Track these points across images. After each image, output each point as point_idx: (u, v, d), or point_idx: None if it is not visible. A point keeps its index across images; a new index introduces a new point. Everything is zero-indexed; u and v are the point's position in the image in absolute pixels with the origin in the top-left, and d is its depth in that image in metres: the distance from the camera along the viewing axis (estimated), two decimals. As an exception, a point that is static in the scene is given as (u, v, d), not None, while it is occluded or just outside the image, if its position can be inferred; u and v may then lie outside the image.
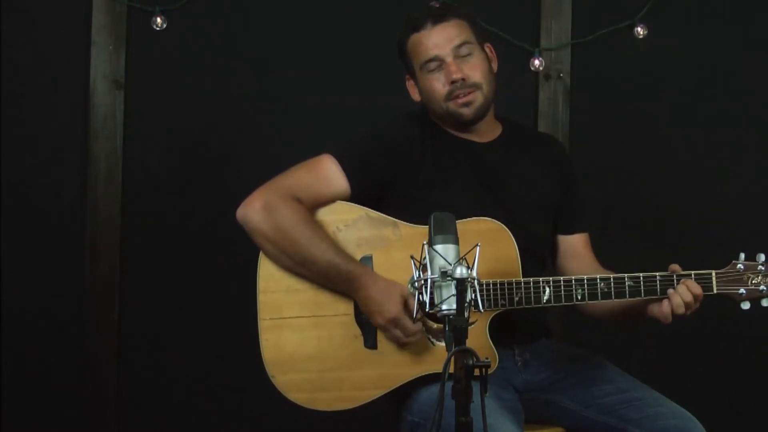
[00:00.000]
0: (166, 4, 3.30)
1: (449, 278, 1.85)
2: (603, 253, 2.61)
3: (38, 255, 3.29)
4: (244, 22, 3.37)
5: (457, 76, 2.43)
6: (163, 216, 3.35)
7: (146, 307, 3.34)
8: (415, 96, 2.55)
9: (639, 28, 3.44)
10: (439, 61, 2.45)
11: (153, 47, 3.32)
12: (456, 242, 1.91)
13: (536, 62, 3.42)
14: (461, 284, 1.83)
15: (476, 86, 2.46)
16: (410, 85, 2.56)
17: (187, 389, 3.35)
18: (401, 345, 2.33)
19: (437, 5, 2.50)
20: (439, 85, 2.46)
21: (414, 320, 2.27)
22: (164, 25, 3.30)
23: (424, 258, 1.93)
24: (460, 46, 2.45)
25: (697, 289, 2.30)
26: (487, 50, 2.54)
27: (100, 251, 3.29)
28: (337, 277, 2.34)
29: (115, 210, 3.30)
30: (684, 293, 2.29)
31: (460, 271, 1.83)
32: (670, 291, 2.31)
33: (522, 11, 3.44)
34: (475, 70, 2.46)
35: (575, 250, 2.59)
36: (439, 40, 2.45)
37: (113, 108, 3.29)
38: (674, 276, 2.33)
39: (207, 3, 3.34)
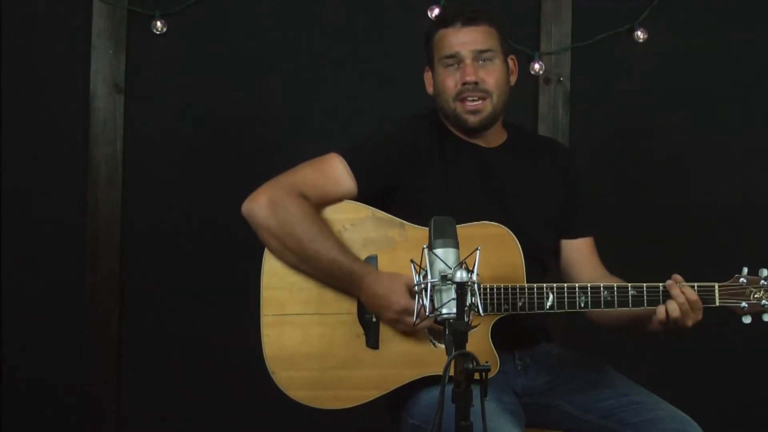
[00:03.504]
0: (167, 8, 3.30)
1: (449, 282, 1.86)
2: (603, 260, 2.60)
3: (39, 259, 3.29)
4: (244, 26, 3.37)
5: (470, 78, 2.45)
6: (164, 220, 3.35)
7: (147, 311, 3.34)
8: (429, 88, 2.57)
9: (639, 32, 3.45)
10: (458, 60, 2.46)
11: (153, 51, 3.33)
12: (456, 246, 1.92)
13: (536, 66, 3.43)
14: (461, 288, 1.83)
15: (487, 93, 2.47)
16: (427, 76, 2.57)
17: (188, 393, 3.35)
18: (411, 331, 2.33)
19: (472, 6, 2.50)
20: (451, 83, 2.47)
21: (414, 323, 2.27)
22: (164, 29, 3.30)
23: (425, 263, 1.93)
24: (482, 51, 2.46)
25: (693, 295, 2.30)
26: (510, 62, 2.56)
27: (101, 255, 3.29)
28: (340, 276, 2.34)
29: (116, 214, 3.30)
30: (677, 295, 2.29)
31: (460, 275, 1.83)
32: (668, 300, 2.31)
33: (522, 15, 3.44)
34: (491, 77, 2.47)
35: (580, 254, 2.58)
36: (465, 39, 2.46)
37: (113, 112, 3.30)
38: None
39: (207, 7, 3.34)
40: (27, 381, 3.30)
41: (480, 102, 2.47)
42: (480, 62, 2.47)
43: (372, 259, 2.38)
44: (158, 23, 3.29)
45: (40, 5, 3.29)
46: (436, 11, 3.32)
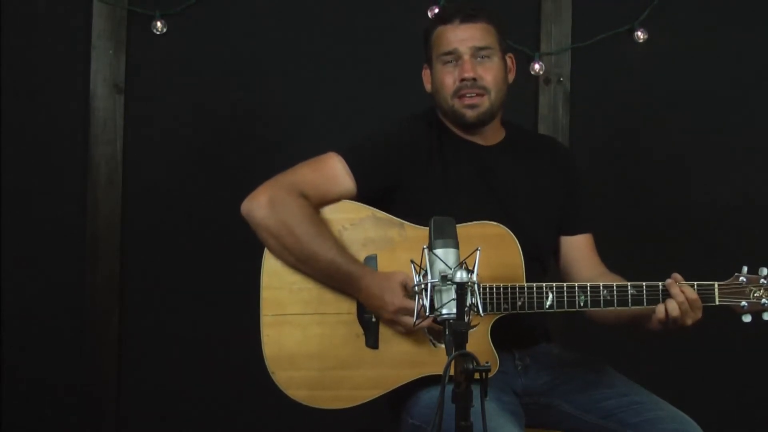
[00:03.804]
0: (167, 8, 3.30)
1: (449, 282, 1.86)
2: (603, 260, 2.60)
3: (39, 259, 3.29)
4: (244, 26, 3.37)
5: (468, 74, 2.45)
6: (164, 220, 3.35)
7: (147, 311, 3.34)
8: (427, 86, 2.57)
9: (639, 33, 3.45)
10: (457, 56, 2.47)
11: (153, 51, 3.33)
12: (456, 246, 1.91)
13: (536, 66, 3.43)
14: (461, 288, 1.83)
15: (485, 90, 2.47)
16: (425, 74, 2.58)
17: (188, 393, 3.35)
18: (409, 332, 2.32)
19: (471, 4, 2.51)
20: (450, 79, 2.48)
21: (414, 324, 2.27)
22: (164, 30, 3.30)
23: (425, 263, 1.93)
24: (481, 48, 2.47)
25: (692, 294, 2.30)
26: (508, 60, 2.56)
27: (101, 255, 3.29)
28: (338, 277, 2.34)
29: (116, 214, 3.30)
30: (677, 294, 2.29)
31: (460, 275, 1.83)
32: (668, 299, 2.31)
33: (522, 15, 3.44)
34: (488, 74, 2.47)
35: (579, 252, 2.58)
36: (463, 36, 2.47)
37: (113, 112, 3.30)
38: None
39: (207, 7, 3.34)
40: (27, 381, 3.30)
41: (477, 97, 2.47)
42: (478, 59, 2.47)
43: (371, 259, 2.38)
44: (158, 23, 3.29)
45: (40, 5, 3.29)
46: (436, 11, 3.32)
